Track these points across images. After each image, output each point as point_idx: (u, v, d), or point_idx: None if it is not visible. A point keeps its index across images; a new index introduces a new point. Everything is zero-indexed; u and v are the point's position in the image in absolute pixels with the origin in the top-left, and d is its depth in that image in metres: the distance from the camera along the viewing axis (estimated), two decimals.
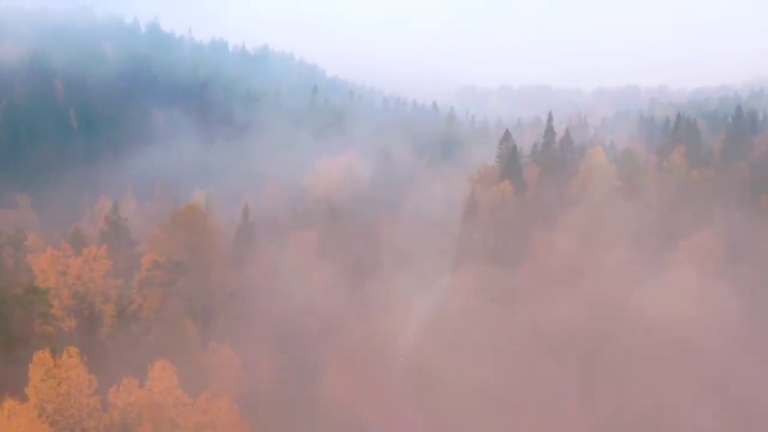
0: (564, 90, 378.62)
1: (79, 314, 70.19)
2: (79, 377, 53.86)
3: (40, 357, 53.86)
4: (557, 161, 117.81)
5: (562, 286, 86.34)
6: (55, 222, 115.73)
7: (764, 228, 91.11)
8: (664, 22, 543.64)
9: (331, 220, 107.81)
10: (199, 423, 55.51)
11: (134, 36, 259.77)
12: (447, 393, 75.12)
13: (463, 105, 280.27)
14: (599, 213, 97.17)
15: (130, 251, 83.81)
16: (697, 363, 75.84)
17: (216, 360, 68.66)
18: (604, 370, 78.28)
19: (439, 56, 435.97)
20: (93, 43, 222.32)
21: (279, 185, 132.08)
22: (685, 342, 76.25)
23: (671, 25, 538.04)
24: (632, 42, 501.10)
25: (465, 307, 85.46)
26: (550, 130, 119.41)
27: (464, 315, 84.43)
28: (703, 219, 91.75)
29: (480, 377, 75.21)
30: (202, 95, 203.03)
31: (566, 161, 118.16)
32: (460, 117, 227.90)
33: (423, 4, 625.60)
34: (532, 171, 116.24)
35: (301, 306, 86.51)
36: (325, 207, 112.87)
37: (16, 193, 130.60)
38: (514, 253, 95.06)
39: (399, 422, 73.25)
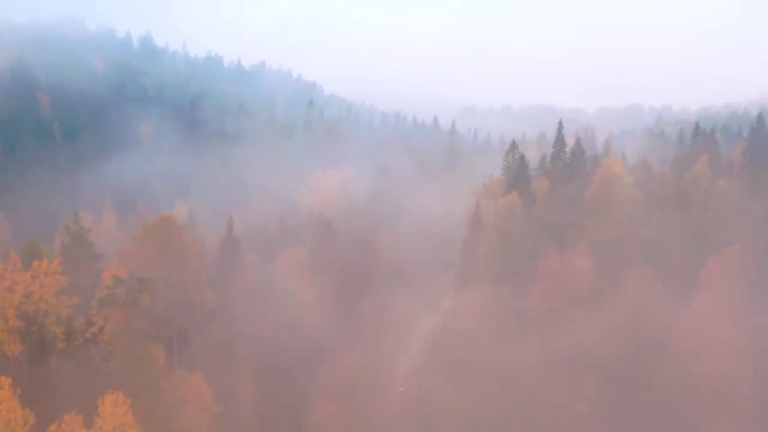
0: (566, 109, 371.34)
1: (27, 337, 61.13)
2: (11, 413, 45.63)
3: None
4: (569, 172, 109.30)
5: (578, 307, 79.21)
6: (28, 236, 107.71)
7: None
8: (668, 41, 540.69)
9: (324, 235, 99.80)
10: None
11: (126, 49, 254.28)
12: (450, 427, 70.09)
13: (464, 124, 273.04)
14: (617, 227, 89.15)
15: (92, 266, 74.84)
16: (733, 393, 68.46)
17: (185, 392, 60.39)
18: (627, 401, 71.55)
19: (440, 76, 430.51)
20: (82, 56, 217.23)
21: (269, 199, 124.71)
22: (718, 369, 68.58)
23: (675, 44, 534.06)
24: (635, 61, 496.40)
25: (470, 331, 78.75)
26: (560, 140, 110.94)
27: (469, 340, 78.16)
28: (733, 232, 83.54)
29: (487, 409, 70.28)
30: (191, 109, 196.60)
31: (578, 172, 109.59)
32: (462, 133, 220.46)
33: (423, 25, 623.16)
34: (541, 184, 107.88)
35: (287, 328, 79.39)
36: (317, 221, 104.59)
37: None
38: (524, 271, 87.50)
39: None
